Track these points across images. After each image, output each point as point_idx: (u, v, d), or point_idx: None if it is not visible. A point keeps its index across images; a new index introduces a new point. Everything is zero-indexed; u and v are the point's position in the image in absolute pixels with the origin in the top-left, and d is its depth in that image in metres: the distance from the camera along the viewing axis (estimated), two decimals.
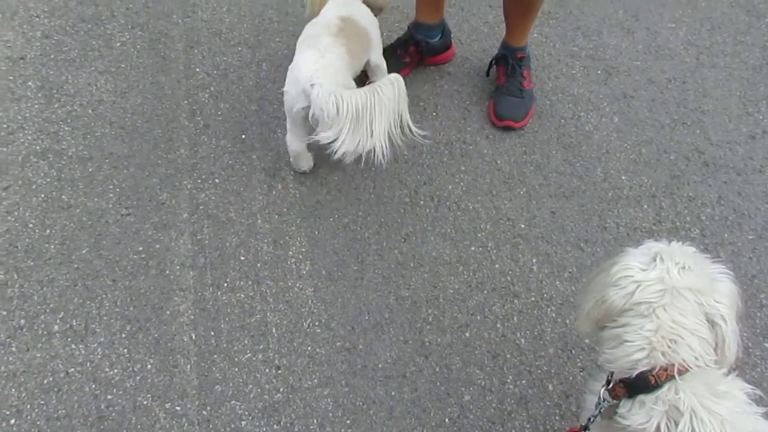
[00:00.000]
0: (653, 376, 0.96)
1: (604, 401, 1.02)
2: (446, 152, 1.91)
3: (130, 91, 1.99)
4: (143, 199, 1.76)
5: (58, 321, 1.54)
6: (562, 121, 2.01)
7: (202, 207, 1.75)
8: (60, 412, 1.42)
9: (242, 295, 1.61)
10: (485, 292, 1.65)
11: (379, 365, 1.52)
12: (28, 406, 1.42)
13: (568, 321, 1.61)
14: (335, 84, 1.51)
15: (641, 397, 0.97)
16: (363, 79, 1.87)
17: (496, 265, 1.70)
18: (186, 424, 1.42)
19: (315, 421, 1.44)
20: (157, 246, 1.68)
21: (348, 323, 1.58)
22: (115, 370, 1.48)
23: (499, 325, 1.60)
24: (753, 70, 2.20)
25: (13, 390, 1.44)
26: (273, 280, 1.63)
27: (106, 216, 1.72)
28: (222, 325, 1.56)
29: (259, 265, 1.66)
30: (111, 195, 1.76)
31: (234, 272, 1.64)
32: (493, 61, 2.02)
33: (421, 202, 1.80)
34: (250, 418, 1.44)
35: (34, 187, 1.76)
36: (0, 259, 1.63)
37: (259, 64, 2.08)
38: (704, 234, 1.78)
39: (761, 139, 2.01)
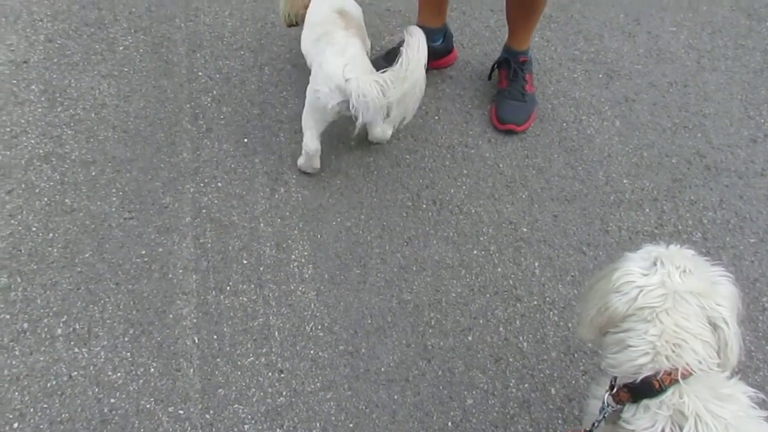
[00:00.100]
0: (657, 380, 0.96)
1: (608, 406, 1.02)
2: (448, 156, 1.92)
3: (133, 94, 2.00)
4: (146, 202, 1.76)
5: (61, 324, 1.55)
6: (564, 124, 2.02)
7: (204, 211, 1.76)
8: (63, 415, 1.42)
9: (245, 299, 1.61)
10: (488, 295, 1.65)
11: (382, 369, 1.52)
12: (32, 410, 1.42)
13: (570, 325, 1.61)
14: (367, 72, 1.60)
15: (645, 401, 0.97)
16: None
17: (499, 269, 1.70)
18: (189, 428, 1.42)
19: (318, 424, 1.44)
20: (160, 249, 1.68)
21: (350, 327, 1.58)
22: (118, 374, 1.48)
23: (501, 329, 1.60)
24: (754, 73, 2.21)
25: (17, 393, 1.44)
26: (275, 284, 1.64)
27: (109, 219, 1.73)
28: (225, 329, 1.56)
29: (261, 268, 1.66)
30: (114, 199, 1.77)
31: (237, 276, 1.64)
32: (495, 65, 2.03)
33: (424, 206, 1.81)
34: (253, 421, 1.44)
35: (37, 190, 1.77)
36: (3, 262, 1.63)
37: (261, 68, 2.09)
38: (706, 237, 1.79)
39: (763, 143, 2.02)
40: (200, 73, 2.07)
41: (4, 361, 1.48)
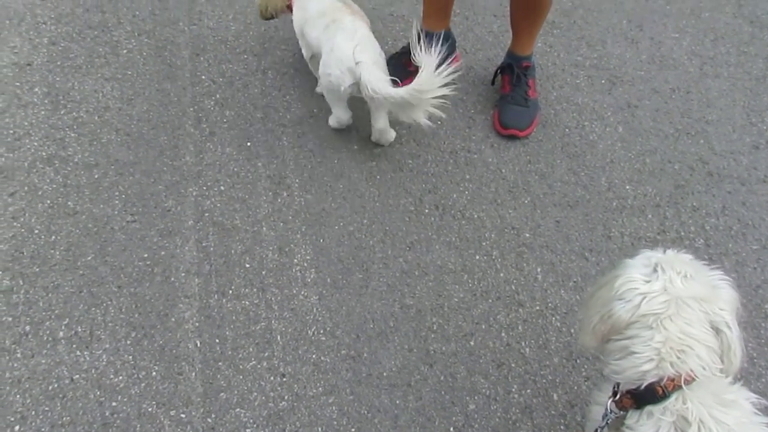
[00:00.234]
0: (661, 386, 0.96)
1: (611, 413, 1.02)
2: (451, 161, 1.92)
3: (136, 98, 2.00)
4: (149, 205, 1.76)
5: (63, 327, 1.55)
6: (567, 130, 2.02)
7: (207, 214, 1.76)
8: (65, 419, 1.42)
9: (247, 303, 1.61)
10: (490, 301, 1.65)
11: (384, 374, 1.52)
12: (33, 413, 1.42)
13: (572, 330, 1.61)
14: (376, 53, 1.72)
15: (649, 407, 0.97)
16: None
17: (501, 274, 1.70)
18: None
19: (320, 429, 1.44)
20: (163, 253, 1.68)
21: (353, 331, 1.58)
22: (120, 377, 1.48)
23: (503, 334, 1.60)
24: (756, 80, 2.21)
25: (18, 396, 1.44)
26: (278, 288, 1.64)
27: (112, 223, 1.73)
28: (227, 333, 1.56)
29: (264, 272, 1.66)
30: (116, 202, 1.77)
31: (239, 279, 1.64)
32: (499, 70, 2.03)
33: (426, 211, 1.81)
34: (255, 426, 1.44)
35: (40, 193, 1.77)
36: (6, 264, 1.63)
37: (264, 72, 2.10)
38: (708, 244, 1.79)
39: (765, 149, 2.02)
40: (203, 77, 2.07)
41: (5, 363, 1.48)
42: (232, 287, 1.63)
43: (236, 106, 2.00)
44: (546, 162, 1.93)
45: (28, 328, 1.54)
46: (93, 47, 2.13)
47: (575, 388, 1.52)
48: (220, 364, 1.51)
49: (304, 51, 1.94)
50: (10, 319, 1.55)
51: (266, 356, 1.53)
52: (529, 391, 1.52)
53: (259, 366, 1.51)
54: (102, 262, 1.65)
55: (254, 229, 1.74)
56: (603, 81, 2.16)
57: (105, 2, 2.23)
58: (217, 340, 1.55)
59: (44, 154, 1.85)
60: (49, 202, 1.75)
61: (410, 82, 2.05)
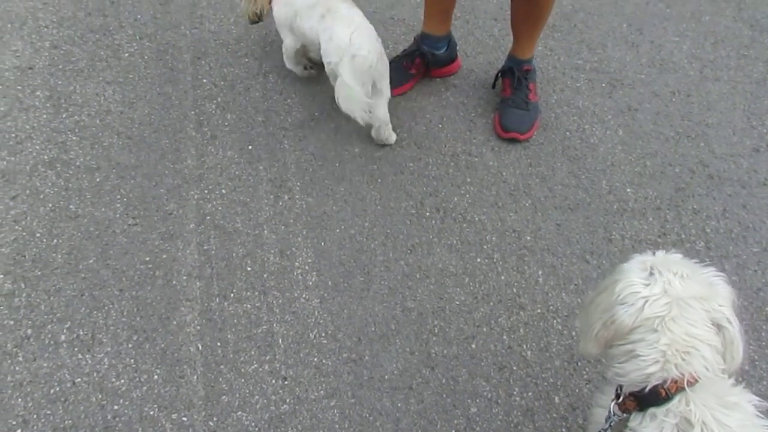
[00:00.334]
0: (664, 389, 0.96)
1: (614, 415, 1.02)
2: (452, 164, 1.92)
3: (138, 101, 2.01)
4: (150, 209, 1.77)
5: (65, 331, 1.55)
6: (567, 133, 2.02)
7: (208, 217, 1.76)
8: (66, 422, 1.42)
9: (249, 306, 1.61)
10: (491, 303, 1.65)
11: (386, 377, 1.52)
12: (35, 416, 1.42)
13: (574, 333, 1.61)
14: (373, 39, 1.75)
15: (652, 409, 0.97)
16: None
17: (502, 277, 1.70)
18: None
19: None
20: (164, 256, 1.68)
21: (354, 334, 1.58)
22: (122, 381, 1.48)
23: (505, 337, 1.60)
24: (757, 83, 2.22)
25: (20, 400, 1.44)
26: (279, 291, 1.64)
27: (113, 226, 1.73)
28: (228, 336, 1.56)
29: (265, 275, 1.66)
30: (118, 205, 1.77)
31: (240, 283, 1.64)
32: (499, 74, 2.04)
33: (427, 214, 1.81)
34: (257, 429, 1.44)
35: (41, 196, 1.77)
36: (7, 268, 1.63)
37: (265, 76, 2.10)
38: (709, 247, 1.79)
39: (765, 152, 2.02)
40: (205, 80, 2.08)
41: (7, 367, 1.48)
42: (234, 290, 1.63)
43: (237, 109, 2.01)
44: (547, 165, 1.94)
45: (29, 331, 1.54)
46: (95, 51, 2.13)
47: (577, 390, 1.53)
48: (221, 367, 1.51)
49: (288, 43, 1.95)
50: (11, 322, 1.55)
51: (268, 359, 1.53)
52: (530, 394, 1.52)
53: (260, 369, 1.51)
54: (103, 265, 1.66)
55: (255, 232, 1.74)
56: (603, 84, 2.17)
57: (107, 6, 2.24)
58: (219, 344, 1.55)
59: (46, 157, 1.86)
60: (50, 205, 1.76)
61: (411, 86, 2.07)
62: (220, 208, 1.78)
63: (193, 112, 1.99)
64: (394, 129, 1.92)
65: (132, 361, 1.51)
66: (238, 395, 1.48)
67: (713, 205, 1.88)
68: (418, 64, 2.03)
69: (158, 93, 2.03)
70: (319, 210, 1.80)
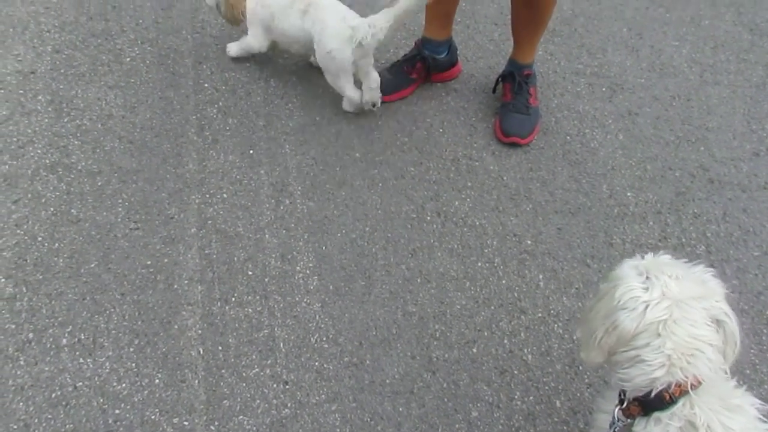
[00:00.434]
0: (668, 393, 0.96)
1: (618, 421, 1.02)
2: (453, 168, 1.93)
3: (140, 105, 2.01)
4: (152, 213, 1.77)
5: (66, 335, 1.55)
6: (568, 137, 2.03)
7: (210, 222, 1.76)
8: (68, 426, 1.42)
9: (250, 310, 1.61)
10: (492, 308, 1.65)
11: (387, 381, 1.52)
12: (36, 420, 1.42)
13: (575, 337, 1.61)
14: (359, 17, 1.82)
15: (656, 414, 0.97)
16: None
17: (503, 281, 1.70)
18: None
19: None
20: (166, 260, 1.68)
21: (355, 338, 1.58)
22: (123, 385, 1.48)
23: (506, 341, 1.60)
24: (756, 87, 2.22)
25: (21, 404, 1.44)
26: (281, 295, 1.64)
27: (115, 230, 1.73)
28: (230, 340, 1.56)
29: (266, 280, 1.66)
30: (120, 209, 1.77)
31: (242, 287, 1.65)
32: (500, 78, 2.04)
33: (428, 218, 1.81)
34: None
35: (43, 200, 1.78)
36: (9, 272, 1.64)
37: (267, 80, 2.11)
38: (710, 251, 1.79)
39: (765, 156, 2.03)
40: (206, 85, 2.08)
41: (8, 371, 1.48)
42: (235, 295, 1.63)
43: (239, 114, 2.02)
44: (547, 169, 1.94)
45: (31, 335, 1.54)
46: (96, 55, 2.14)
47: (578, 395, 1.53)
48: (223, 371, 1.51)
49: (252, 42, 2.03)
50: (13, 326, 1.55)
51: (269, 363, 1.53)
52: (531, 398, 1.52)
53: (262, 373, 1.52)
54: (105, 269, 1.66)
55: (257, 236, 1.74)
56: (604, 89, 2.17)
57: (108, 11, 2.25)
58: (220, 348, 1.55)
59: (48, 161, 1.86)
60: (52, 209, 1.76)
61: (412, 90, 2.08)
62: (221, 212, 1.79)
63: (194, 117, 2.00)
64: (394, 133, 1.92)
65: (133, 365, 1.51)
66: (239, 399, 1.48)
67: (714, 209, 1.89)
68: (419, 69, 2.04)
69: (160, 97, 2.04)
70: (321, 214, 1.80)
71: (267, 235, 1.75)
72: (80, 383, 1.48)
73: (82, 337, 1.55)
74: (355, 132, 1.99)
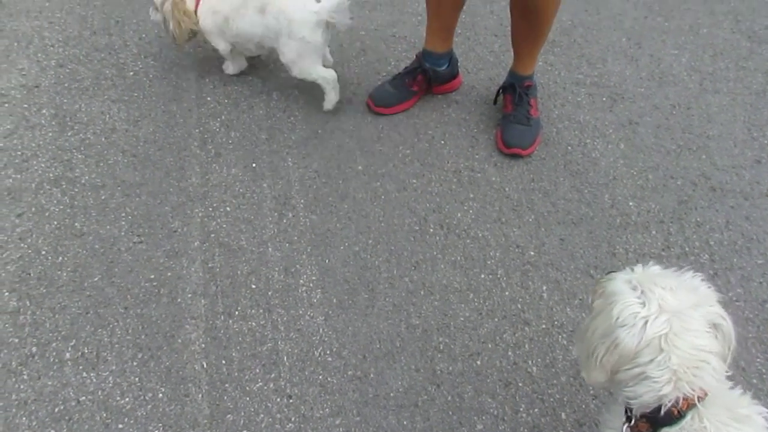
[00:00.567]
0: (676, 407, 0.95)
1: None
2: (455, 180, 1.93)
3: (143, 119, 2.02)
4: (155, 226, 1.77)
5: (69, 348, 1.55)
6: (569, 148, 2.03)
7: (213, 235, 1.77)
8: None
9: (253, 324, 1.61)
10: (496, 319, 1.65)
11: (391, 394, 1.52)
12: None
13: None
14: (317, 3, 1.89)
15: (665, 429, 0.97)
16: None
17: (506, 293, 1.70)
18: None
19: None
20: (169, 274, 1.69)
21: (359, 352, 1.58)
22: (127, 399, 1.48)
23: (510, 353, 1.60)
24: (756, 95, 2.23)
25: (24, 418, 1.44)
26: (284, 309, 1.64)
27: (119, 243, 1.74)
28: (233, 354, 1.56)
29: (270, 293, 1.66)
30: (123, 223, 1.78)
31: (245, 300, 1.65)
32: (501, 90, 2.05)
33: (431, 230, 1.81)
34: None
35: (47, 214, 1.78)
36: (13, 285, 1.64)
37: (269, 94, 2.12)
38: (713, 259, 1.79)
39: (767, 164, 2.03)
40: (209, 99, 2.09)
41: (12, 385, 1.48)
42: (239, 308, 1.63)
43: (241, 127, 2.02)
44: (549, 180, 1.95)
45: (34, 349, 1.54)
46: (100, 69, 2.15)
47: (583, 407, 1.52)
48: (226, 385, 1.51)
49: (223, 47, 2.06)
50: (16, 340, 1.55)
51: (273, 377, 1.53)
52: (536, 410, 1.51)
53: (265, 387, 1.51)
54: (108, 283, 1.66)
55: (260, 249, 1.75)
56: (604, 98, 2.18)
57: (112, 25, 2.26)
58: (224, 362, 1.55)
59: (51, 175, 1.87)
60: (56, 223, 1.77)
61: (414, 102, 2.09)
62: (224, 225, 1.79)
63: (197, 130, 2.01)
64: (396, 146, 1.93)
65: (137, 379, 1.51)
66: (243, 414, 1.47)
67: (716, 217, 1.89)
68: (420, 81, 2.05)
69: (163, 111, 2.05)
70: (323, 227, 1.80)
71: (270, 249, 1.75)
72: (83, 397, 1.48)
73: (86, 351, 1.55)
74: (358, 145, 2.00)
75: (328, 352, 1.58)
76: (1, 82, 2.09)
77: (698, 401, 0.95)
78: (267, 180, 1.90)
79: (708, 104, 2.19)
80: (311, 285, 1.68)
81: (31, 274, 1.66)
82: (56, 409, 1.46)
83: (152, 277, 1.68)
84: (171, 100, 2.07)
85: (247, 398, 1.49)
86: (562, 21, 2.40)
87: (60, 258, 1.70)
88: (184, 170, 1.90)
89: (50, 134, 1.97)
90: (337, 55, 2.24)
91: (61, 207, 1.80)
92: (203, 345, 1.57)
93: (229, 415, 1.47)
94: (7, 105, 2.03)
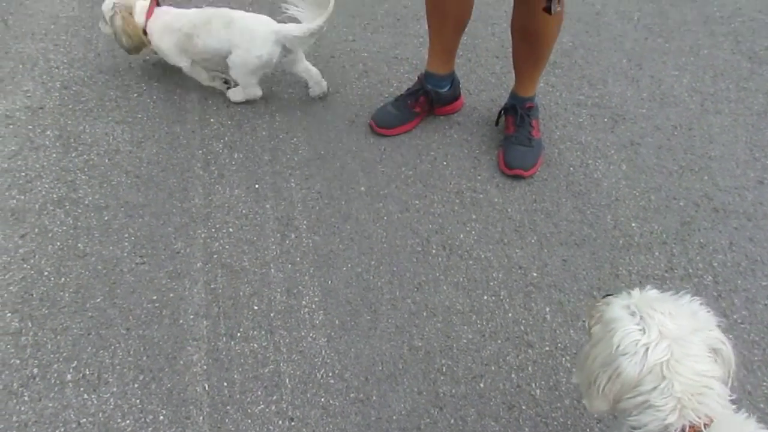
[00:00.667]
0: None
1: None
2: (457, 201, 1.93)
3: (146, 140, 2.04)
4: (158, 247, 1.78)
5: (71, 370, 1.54)
6: (571, 169, 2.04)
7: (215, 256, 1.77)
8: None
9: (255, 345, 1.60)
10: (499, 341, 1.64)
11: (394, 417, 1.50)
12: None
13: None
14: (279, 24, 1.99)
15: None
16: None
17: (509, 315, 1.69)
18: None
19: None
20: (171, 295, 1.68)
21: (362, 374, 1.57)
22: (128, 421, 1.47)
23: (513, 376, 1.58)
24: (758, 115, 2.24)
25: None
26: (286, 330, 1.63)
27: (121, 264, 1.74)
28: (235, 376, 1.55)
29: (272, 314, 1.66)
30: (126, 244, 1.78)
31: (247, 322, 1.64)
32: (502, 111, 2.06)
33: (433, 251, 1.81)
34: None
35: (50, 235, 1.79)
36: (15, 306, 1.64)
37: (272, 115, 2.13)
38: (717, 281, 1.78)
39: None
40: (212, 120, 2.11)
41: (12, 407, 1.48)
42: (241, 330, 1.63)
43: (244, 148, 2.04)
44: (551, 201, 1.95)
45: (36, 370, 1.54)
46: (104, 91, 2.17)
47: (587, 430, 1.50)
48: (228, 408, 1.50)
49: (186, 66, 2.10)
50: (18, 361, 1.55)
51: (274, 399, 1.52)
52: None
53: (267, 410, 1.50)
54: (111, 304, 1.66)
55: (262, 271, 1.74)
56: (605, 119, 2.19)
57: (116, 47, 2.28)
58: (225, 384, 1.54)
59: (55, 196, 1.88)
60: (59, 243, 1.77)
61: (416, 124, 2.10)
62: (227, 246, 1.79)
63: (200, 152, 2.02)
64: (399, 167, 1.94)
65: (138, 401, 1.50)
66: None
67: (719, 238, 1.88)
68: (423, 103, 2.07)
69: (166, 132, 2.06)
70: (326, 248, 1.80)
71: (272, 270, 1.75)
72: (84, 419, 1.47)
73: (87, 373, 1.54)
74: (360, 166, 2.00)
75: (330, 374, 1.57)
76: (6, 103, 2.11)
77: (704, 428, 0.94)
78: (270, 201, 1.90)
79: (709, 125, 2.20)
80: (314, 306, 1.68)
81: (34, 295, 1.66)
82: None
83: (154, 298, 1.68)
84: (174, 122, 2.09)
85: (249, 421, 1.48)
86: (563, 42, 2.42)
87: (62, 279, 1.70)
88: (187, 191, 1.91)
89: (54, 155, 1.98)
90: (339, 77, 2.26)
91: (65, 228, 1.81)
92: (205, 367, 1.56)
93: None
94: (11, 126, 2.05)
